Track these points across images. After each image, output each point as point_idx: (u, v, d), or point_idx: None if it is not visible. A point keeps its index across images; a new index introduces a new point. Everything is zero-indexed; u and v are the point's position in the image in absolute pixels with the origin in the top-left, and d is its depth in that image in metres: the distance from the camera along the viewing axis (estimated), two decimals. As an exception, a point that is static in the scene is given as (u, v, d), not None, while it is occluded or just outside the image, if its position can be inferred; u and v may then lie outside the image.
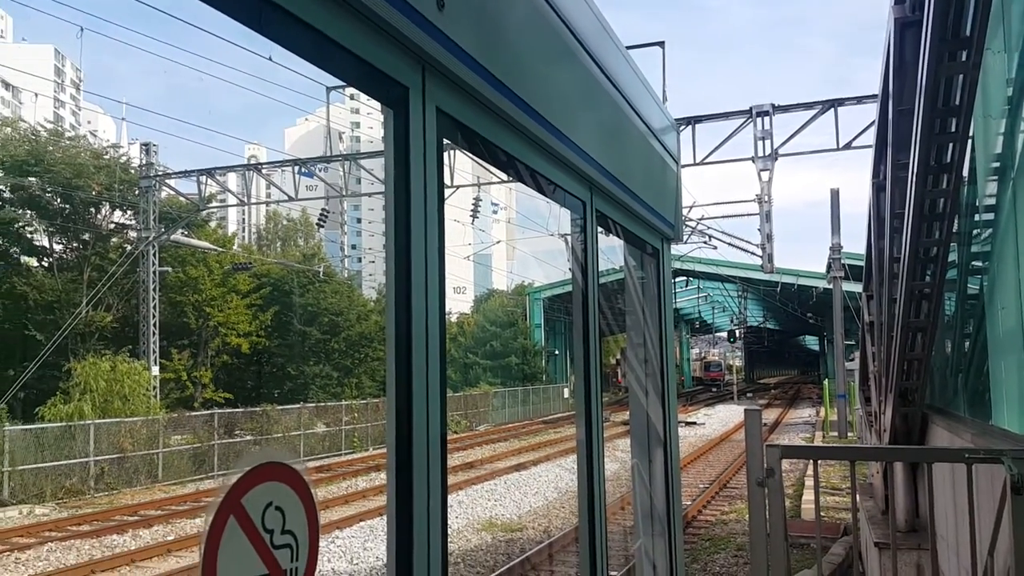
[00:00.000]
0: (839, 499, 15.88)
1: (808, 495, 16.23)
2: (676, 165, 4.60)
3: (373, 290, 53.21)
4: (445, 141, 2.03)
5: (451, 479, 21.43)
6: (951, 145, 5.71)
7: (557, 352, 54.95)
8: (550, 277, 52.55)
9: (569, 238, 3.28)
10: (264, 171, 27.87)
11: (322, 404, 29.13)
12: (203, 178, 26.75)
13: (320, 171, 26.96)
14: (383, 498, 17.64)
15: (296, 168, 26.09)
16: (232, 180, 28.82)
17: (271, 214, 68.90)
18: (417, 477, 1.73)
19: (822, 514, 15.08)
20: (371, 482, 19.78)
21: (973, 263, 6.48)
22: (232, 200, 30.41)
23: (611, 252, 4.11)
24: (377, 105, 1.86)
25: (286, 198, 27.43)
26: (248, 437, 23.67)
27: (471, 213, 26.75)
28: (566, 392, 47.40)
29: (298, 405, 27.43)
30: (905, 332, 7.00)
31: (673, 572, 4.33)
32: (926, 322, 6.81)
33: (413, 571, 1.70)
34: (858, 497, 12.39)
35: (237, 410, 26.24)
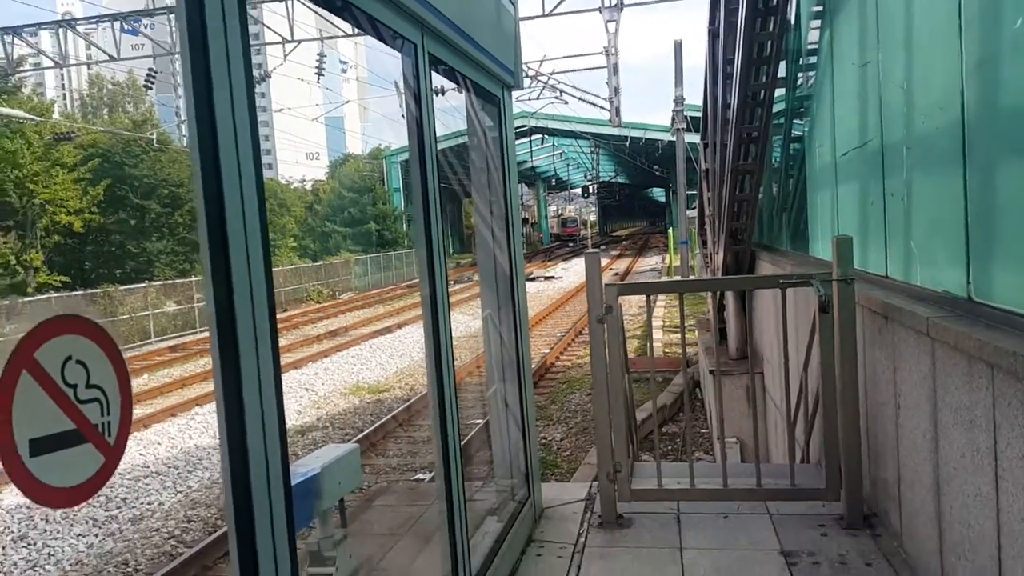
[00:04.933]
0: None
1: (658, 335, 17.56)
2: (514, 8, 4.45)
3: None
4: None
5: (316, 348, 21.02)
6: (779, -12, 5.87)
7: (418, 216, 54.54)
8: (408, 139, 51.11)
9: (402, 87, 3.12)
10: (81, 29, 24.50)
11: (170, 282, 27.62)
12: (9, 38, 23.21)
13: (145, 27, 24.07)
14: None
15: (117, 24, 23.13)
16: (45, 40, 25.17)
17: (94, 77, 61.62)
18: (245, 356, 1.64)
19: (667, 351, 16.34)
20: (232, 356, 19.36)
21: (796, 107, 6.86)
22: (47, 63, 26.73)
23: (452, 110, 3.99)
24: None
25: (107, 58, 24.42)
26: (92, 321, 22.25)
27: (316, 71, 25.06)
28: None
29: (143, 284, 25.89)
30: (735, 175, 7.44)
31: (523, 408, 4.60)
32: (753, 165, 7.25)
33: (249, 454, 1.64)
34: (696, 332, 13.51)
35: (76, 293, 24.46)
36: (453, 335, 3.19)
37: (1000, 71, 2.62)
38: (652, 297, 4.84)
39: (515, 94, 4.65)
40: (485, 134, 4.13)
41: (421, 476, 10.26)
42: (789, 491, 4.22)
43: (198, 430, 12.56)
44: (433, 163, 3.00)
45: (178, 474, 10.46)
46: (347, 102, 37.75)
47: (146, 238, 34.67)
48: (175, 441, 11.98)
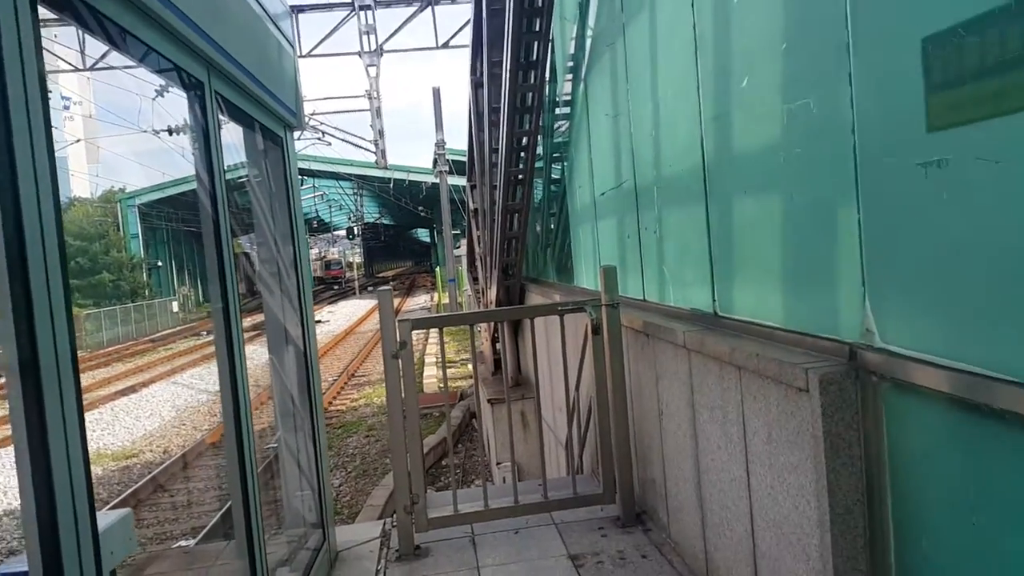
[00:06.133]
0: (453, 371, 17.75)
1: (427, 371, 17.83)
2: (293, 51, 4.46)
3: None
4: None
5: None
6: (536, 43, 6.46)
7: (161, 263, 50.21)
8: (149, 180, 47.07)
9: (185, 127, 3.02)
10: None
11: None
12: None
13: None
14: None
15: None
16: None
17: None
18: (50, 405, 1.58)
19: (440, 387, 16.62)
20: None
21: (556, 151, 7.53)
22: None
23: (229, 147, 3.88)
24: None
25: None
26: None
27: (37, 106, 22.35)
28: (175, 306, 44.01)
29: None
30: (504, 214, 7.95)
31: (316, 449, 4.52)
32: (521, 204, 7.81)
33: (56, 503, 1.57)
34: (470, 365, 13.91)
35: None
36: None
37: (731, 123, 3.18)
38: (428, 332, 5.05)
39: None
40: (268, 174, 4.07)
41: (184, 543, 9.46)
42: (572, 499, 4.60)
43: None
44: (224, 203, 2.93)
45: None
46: (77, 141, 34.00)
47: None
48: None
